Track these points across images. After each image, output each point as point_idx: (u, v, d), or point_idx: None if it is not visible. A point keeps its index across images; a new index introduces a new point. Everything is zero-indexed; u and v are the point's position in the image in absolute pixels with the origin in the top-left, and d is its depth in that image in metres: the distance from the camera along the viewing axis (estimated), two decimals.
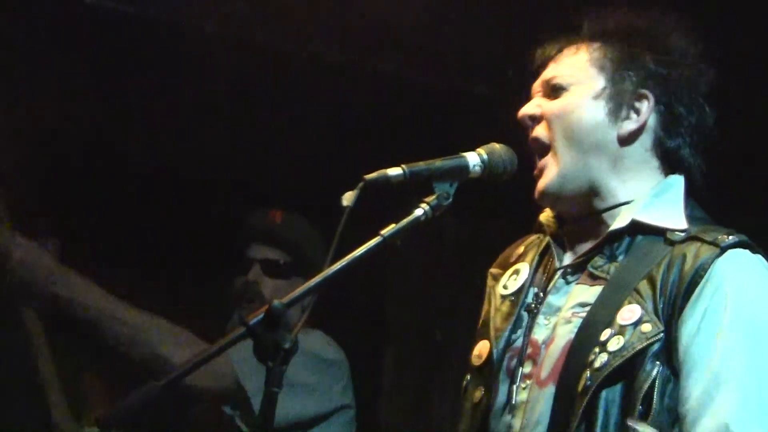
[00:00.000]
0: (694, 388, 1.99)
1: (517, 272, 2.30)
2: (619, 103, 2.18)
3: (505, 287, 2.30)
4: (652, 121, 2.19)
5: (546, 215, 2.33)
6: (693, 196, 2.21)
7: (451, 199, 2.07)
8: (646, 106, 2.18)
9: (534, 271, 2.27)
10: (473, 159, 2.13)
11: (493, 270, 2.39)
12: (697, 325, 2.02)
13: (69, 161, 3.87)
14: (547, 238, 2.29)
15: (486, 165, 2.13)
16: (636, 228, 2.15)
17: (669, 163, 2.22)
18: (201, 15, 3.65)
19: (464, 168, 2.12)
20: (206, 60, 3.68)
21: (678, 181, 2.21)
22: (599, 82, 2.19)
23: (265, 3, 3.61)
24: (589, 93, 2.19)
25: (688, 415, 1.98)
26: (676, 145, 2.20)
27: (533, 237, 2.36)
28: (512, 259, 2.35)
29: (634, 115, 2.18)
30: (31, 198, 3.13)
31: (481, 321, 2.34)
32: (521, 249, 2.36)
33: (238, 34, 3.73)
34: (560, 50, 2.27)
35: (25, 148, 3.19)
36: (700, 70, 2.20)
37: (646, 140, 2.20)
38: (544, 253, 2.29)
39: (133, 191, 4.03)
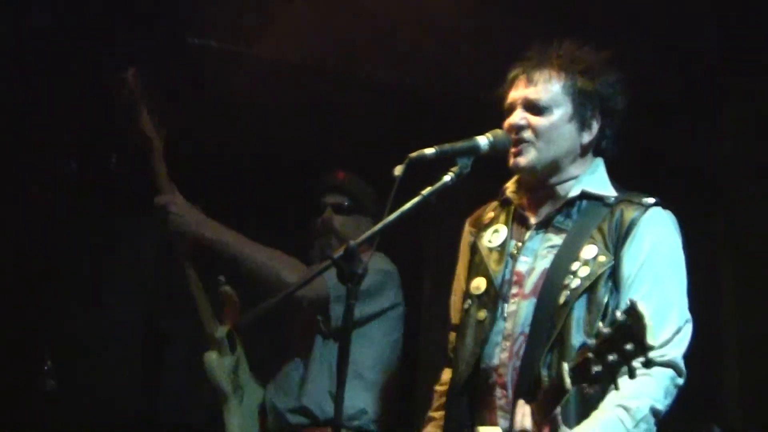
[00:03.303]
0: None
1: (496, 231, 3.00)
2: (582, 123, 2.91)
3: (489, 241, 2.99)
4: (596, 132, 2.95)
5: (510, 190, 3.04)
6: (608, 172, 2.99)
7: (469, 169, 2.72)
8: (595, 125, 2.94)
9: (511, 230, 2.97)
10: (483, 140, 2.79)
11: (470, 228, 3.11)
12: (633, 257, 2.78)
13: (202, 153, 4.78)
14: (513, 207, 3.01)
15: (491, 144, 2.80)
16: (584, 195, 2.91)
17: (596, 152, 3.00)
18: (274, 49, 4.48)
19: (477, 147, 2.77)
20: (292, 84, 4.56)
21: (600, 162, 3.00)
22: (570, 107, 2.89)
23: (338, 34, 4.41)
24: (565, 116, 2.89)
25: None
26: (605, 145, 2.99)
27: (494, 204, 3.09)
28: (485, 222, 3.06)
29: (589, 131, 2.93)
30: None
31: (470, 266, 3.02)
32: (491, 214, 3.07)
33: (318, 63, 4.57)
34: (532, 72, 2.91)
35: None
36: (624, 97, 2.96)
37: (591, 143, 2.96)
38: (514, 218, 2.99)
39: (248, 170, 5.00)
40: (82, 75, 4.37)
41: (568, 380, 2.39)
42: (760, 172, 4.65)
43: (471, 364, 2.88)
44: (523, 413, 2.57)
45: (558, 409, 2.48)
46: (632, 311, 2.24)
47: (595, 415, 2.64)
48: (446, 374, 3.15)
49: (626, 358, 2.25)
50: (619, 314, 2.26)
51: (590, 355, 2.31)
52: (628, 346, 2.24)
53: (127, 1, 4.27)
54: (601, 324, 2.34)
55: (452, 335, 3.13)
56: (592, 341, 2.32)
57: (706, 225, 4.76)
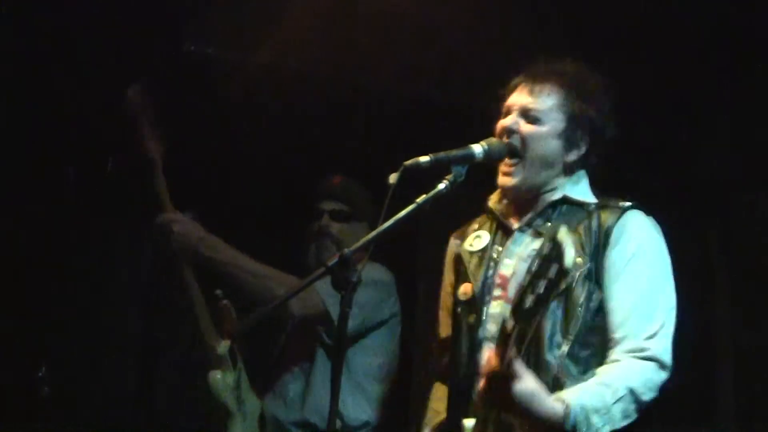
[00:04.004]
0: (619, 306, 2.78)
1: (478, 237, 3.05)
2: (570, 143, 2.95)
3: (471, 245, 3.04)
4: (583, 153, 2.97)
5: (494, 201, 3.08)
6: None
7: (463, 177, 2.75)
8: (583, 146, 2.97)
9: (494, 236, 3.01)
10: (477, 149, 2.82)
11: (455, 240, 3.15)
12: (616, 260, 2.83)
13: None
14: (496, 216, 3.04)
15: (486, 152, 2.83)
16: (564, 201, 2.95)
17: (581, 166, 3.02)
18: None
19: (471, 155, 2.81)
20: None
21: (584, 174, 3.03)
22: (561, 124, 2.93)
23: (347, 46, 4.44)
24: (554, 130, 2.93)
25: (618, 327, 2.76)
26: (591, 162, 3.01)
27: (480, 218, 3.13)
28: (468, 233, 3.10)
29: (576, 151, 2.96)
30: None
31: (454, 274, 3.08)
32: (476, 226, 3.12)
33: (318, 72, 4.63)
34: (534, 83, 2.96)
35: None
36: (614, 127, 3.00)
37: (577, 162, 2.98)
38: (498, 226, 3.04)
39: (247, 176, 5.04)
40: (81, 81, 4.40)
41: (510, 320, 2.45)
42: (756, 182, 4.68)
43: (470, 368, 2.90)
44: (489, 358, 2.61)
45: (513, 352, 2.51)
46: (553, 240, 2.35)
47: (578, 386, 2.69)
48: (438, 390, 3.14)
49: (553, 283, 2.35)
50: (544, 247, 2.38)
51: (525, 292, 2.40)
52: (551, 271, 2.34)
53: (125, 9, 4.30)
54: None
55: (437, 350, 3.14)
56: (526, 279, 2.41)
57: (701, 235, 4.78)
